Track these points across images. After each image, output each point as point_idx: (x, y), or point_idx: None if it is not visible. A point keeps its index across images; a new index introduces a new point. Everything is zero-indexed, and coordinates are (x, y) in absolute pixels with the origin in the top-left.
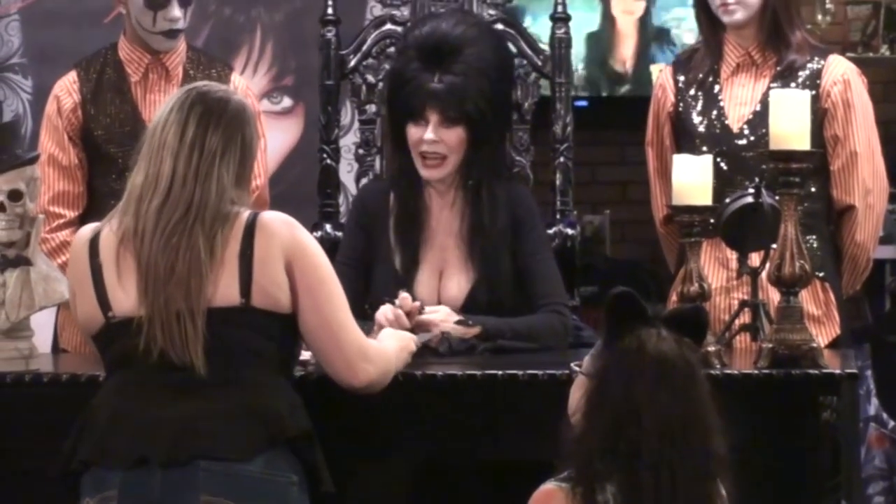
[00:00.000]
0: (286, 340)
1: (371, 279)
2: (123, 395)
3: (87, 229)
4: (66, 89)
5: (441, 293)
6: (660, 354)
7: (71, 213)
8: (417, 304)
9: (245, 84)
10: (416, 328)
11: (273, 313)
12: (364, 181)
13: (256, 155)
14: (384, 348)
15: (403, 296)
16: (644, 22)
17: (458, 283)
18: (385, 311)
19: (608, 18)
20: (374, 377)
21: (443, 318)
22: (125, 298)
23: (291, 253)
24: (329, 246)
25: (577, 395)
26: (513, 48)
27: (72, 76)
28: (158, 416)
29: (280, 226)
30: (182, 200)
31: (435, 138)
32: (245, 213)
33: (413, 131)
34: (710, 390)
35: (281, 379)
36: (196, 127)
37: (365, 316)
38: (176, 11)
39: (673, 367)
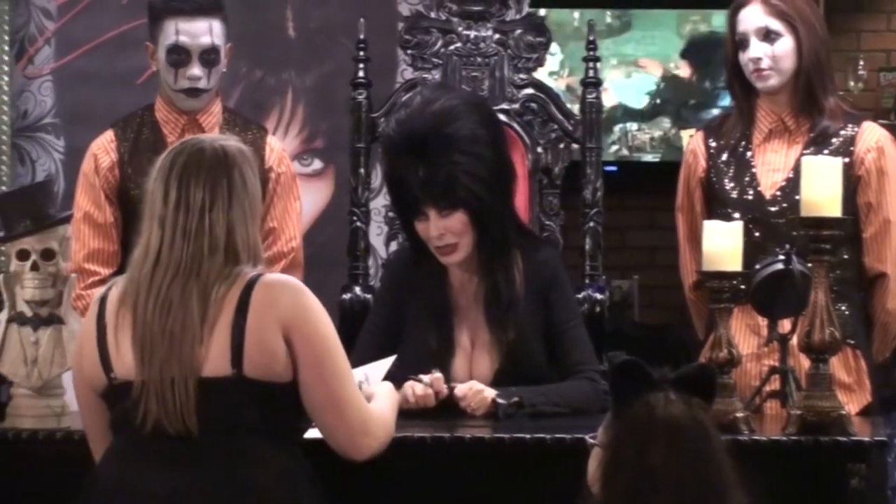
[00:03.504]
0: (286, 408)
1: (402, 351)
2: (120, 463)
3: (104, 288)
4: (104, 148)
5: (472, 369)
6: (670, 418)
7: (105, 271)
8: (445, 388)
9: (281, 146)
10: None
11: (269, 383)
12: (394, 244)
13: (256, 195)
14: (384, 415)
15: (437, 376)
16: None
17: (489, 360)
18: (413, 385)
19: None
20: (375, 450)
21: (476, 393)
22: (123, 361)
23: (290, 323)
24: (359, 308)
25: (593, 466)
26: (543, 113)
27: (109, 135)
28: (150, 490)
29: (279, 294)
30: (172, 263)
31: (440, 232)
32: (245, 278)
33: (419, 227)
34: (724, 446)
35: (276, 449)
36: (178, 187)
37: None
38: (196, 70)
39: (684, 429)
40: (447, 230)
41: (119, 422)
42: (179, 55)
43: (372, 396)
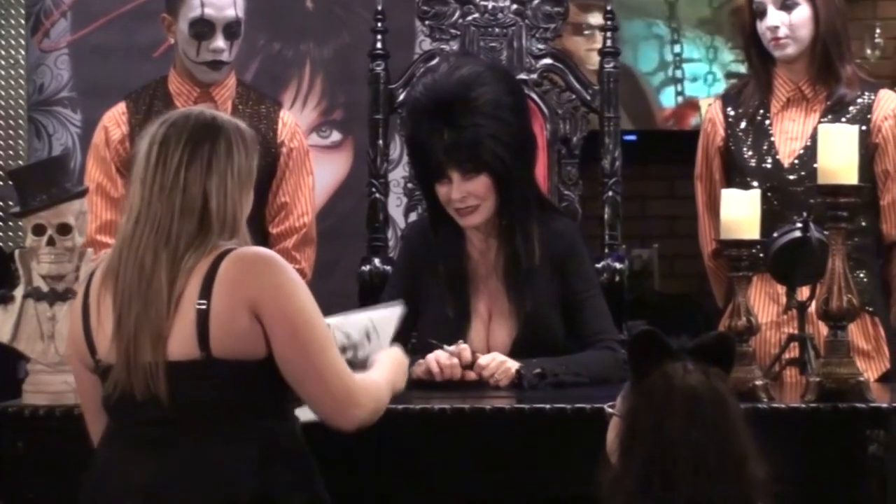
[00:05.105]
0: (264, 385)
1: (421, 322)
2: (106, 450)
3: (94, 263)
4: (115, 120)
5: (490, 339)
6: (687, 389)
7: None
8: (472, 357)
9: (294, 121)
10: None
11: (241, 362)
12: (413, 216)
13: (243, 169)
14: (374, 384)
15: (463, 346)
16: None
17: (507, 329)
18: (438, 356)
19: None
20: (364, 419)
21: (499, 364)
22: (105, 343)
23: (258, 301)
24: (379, 280)
25: (612, 435)
26: (561, 82)
27: (121, 107)
28: (129, 481)
29: (245, 271)
30: (149, 221)
31: (461, 195)
32: (216, 252)
33: (441, 191)
34: (743, 415)
35: (252, 428)
36: (159, 147)
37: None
38: (220, 42)
39: (702, 399)
40: (470, 193)
41: (104, 405)
42: (203, 28)
43: (373, 363)
